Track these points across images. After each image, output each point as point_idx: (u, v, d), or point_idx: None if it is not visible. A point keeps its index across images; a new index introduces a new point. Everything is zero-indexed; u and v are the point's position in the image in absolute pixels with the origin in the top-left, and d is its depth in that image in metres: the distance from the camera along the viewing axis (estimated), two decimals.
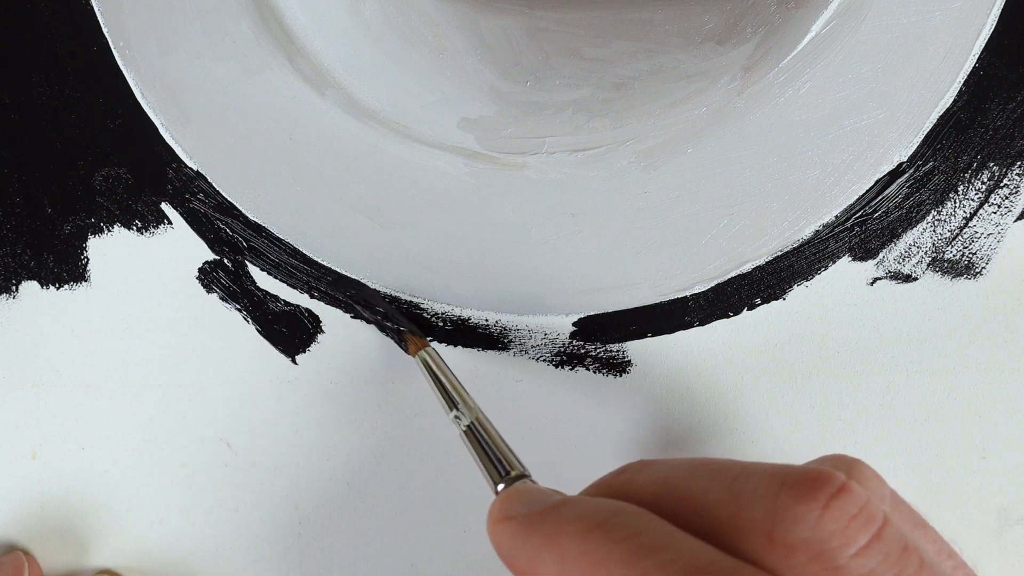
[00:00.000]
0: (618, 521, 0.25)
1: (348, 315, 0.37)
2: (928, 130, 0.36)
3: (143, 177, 0.37)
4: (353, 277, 0.37)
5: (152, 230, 0.37)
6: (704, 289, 0.36)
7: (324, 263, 0.37)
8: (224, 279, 0.37)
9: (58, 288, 0.37)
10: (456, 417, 0.33)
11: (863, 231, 0.36)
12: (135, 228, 0.37)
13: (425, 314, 0.37)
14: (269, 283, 0.37)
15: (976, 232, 0.36)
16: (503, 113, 0.36)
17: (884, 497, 0.27)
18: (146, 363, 0.38)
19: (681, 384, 0.37)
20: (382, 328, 0.36)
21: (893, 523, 0.24)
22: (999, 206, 0.36)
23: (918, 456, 0.37)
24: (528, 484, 0.30)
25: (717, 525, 0.25)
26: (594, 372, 0.37)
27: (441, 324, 0.37)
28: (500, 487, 0.30)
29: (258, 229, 0.37)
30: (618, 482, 0.28)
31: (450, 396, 0.33)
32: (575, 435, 0.37)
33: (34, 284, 0.37)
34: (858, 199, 0.36)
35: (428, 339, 0.36)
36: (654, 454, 0.37)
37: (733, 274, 0.36)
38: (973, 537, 0.37)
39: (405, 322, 0.36)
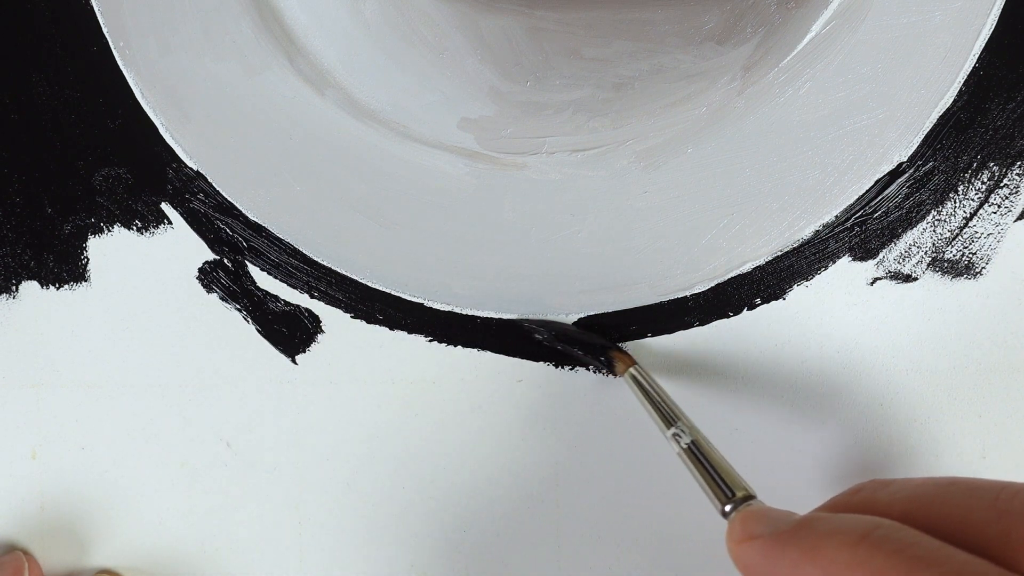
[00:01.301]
0: (883, 534, 0.25)
1: (348, 315, 0.37)
2: (928, 130, 0.36)
3: (143, 177, 0.37)
4: (515, 317, 0.37)
5: (152, 230, 0.37)
6: (704, 289, 0.36)
7: (324, 263, 0.37)
8: (224, 279, 0.37)
9: (58, 288, 0.37)
10: (675, 435, 0.32)
11: (863, 231, 0.36)
12: (135, 228, 0.37)
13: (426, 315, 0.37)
14: (269, 283, 0.37)
15: (976, 232, 0.36)
16: (503, 113, 0.36)
17: None
18: (146, 363, 0.38)
19: (682, 384, 0.37)
20: (585, 356, 0.36)
21: None
22: (999, 206, 0.36)
23: (918, 456, 0.37)
24: (763, 505, 0.30)
25: (985, 542, 0.25)
26: (594, 372, 0.37)
27: (442, 324, 0.37)
28: (728, 508, 0.30)
29: (258, 229, 0.37)
30: (857, 500, 0.28)
31: (666, 414, 0.33)
32: (575, 435, 0.37)
33: (34, 284, 0.38)
34: (858, 199, 0.36)
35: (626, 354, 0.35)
36: (654, 453, 0.37)
37: (733, 274, 0.36)
38: None
39: (607, 342, 0.36)
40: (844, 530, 0.25)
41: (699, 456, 0.31)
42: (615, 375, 0.35)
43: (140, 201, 0.37)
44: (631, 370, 0.34)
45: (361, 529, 0.38)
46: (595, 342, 0.36)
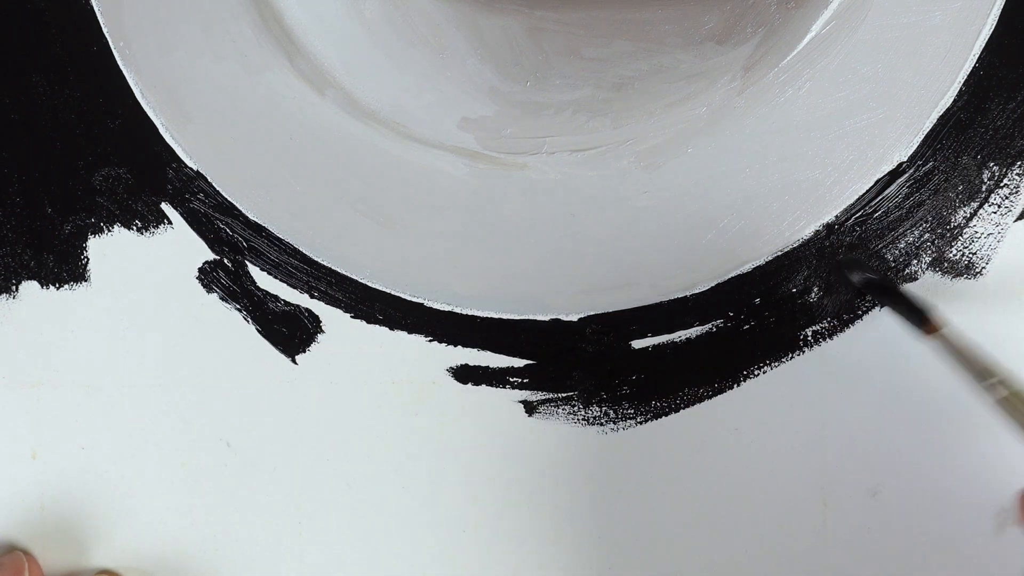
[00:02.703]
0: None
1: (348, 315, 0.37)
2: (928, 130, 0.36)
3: (143, 177, 0.37)
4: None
5: (152, 230, 0.37)
6: (704, 289, 0.36)
7: (324, 263, 0.37)
8: (224, 279, 0.37)
9: (58, 288, 0.38)
10: (992, 386, 0.31)
11: (863, 231, 0.36)
12: (135, 228, 0.37)
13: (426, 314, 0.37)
14: (269, 283, 0.37)
15: (976, 232, 0.36)
16: (503, 113, 0.36)
17: None
18: (146, 363, 0.38)
19: (681, 384, 0.37)
20: (895, 306, 0.35)
21: None
22: (999, 206, 0.36)
23: (918, 456, 0.37)
24: None
25: None
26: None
27: (442, 324, 0.37)
28: None
29: (258, 229, 0.37)
30: None
31: (983, 367, 0.32)
32: (575, 435, 0.37)
33: (34, 284, 0.38)
34: (858, 199, 0.36)
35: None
36: (654, 452, 0.37)
37: (733, 274, 0.36)
38: (972, 537, 0.37)
39: (921, 303, 0.35)
40: None
41: (1014, 405, 0.31)
42: (926, 335, 0.34)
43: (140, 201, 0.37)
44: (943, 331, 0.34)
45: (361, 529, 0.38)
46: (911, 304, 0.35)
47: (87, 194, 0.37)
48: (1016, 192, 0.36)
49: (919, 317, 0.34)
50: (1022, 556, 0.36)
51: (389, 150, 0.36)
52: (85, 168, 0.37)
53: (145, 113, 0.37)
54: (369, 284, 0.37)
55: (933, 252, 0.36)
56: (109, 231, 0.37)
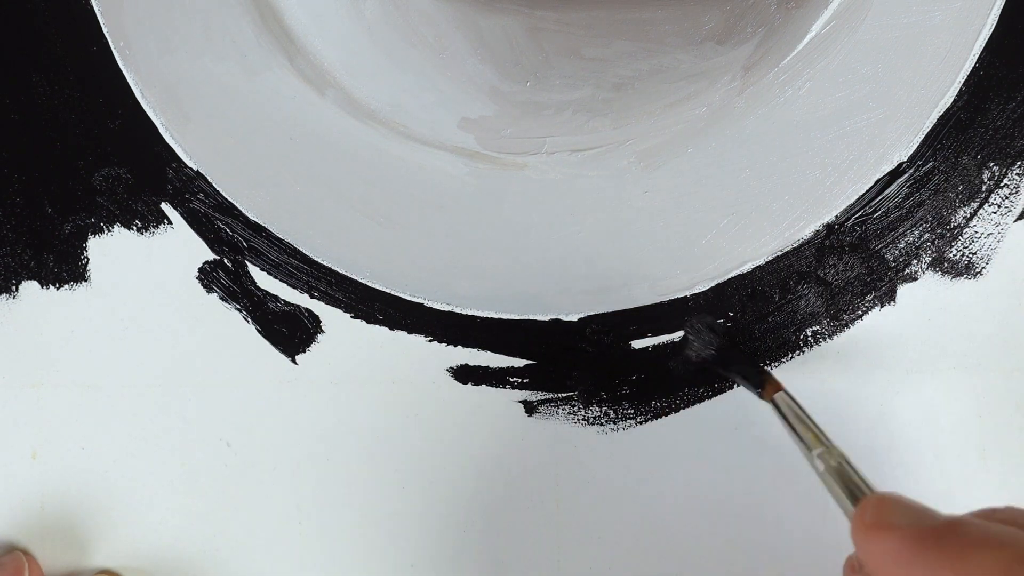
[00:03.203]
0: None
1: (348, 315, 0.37)
2: (928, 130, 0.36)
3: (143, 177, 0.37)
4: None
5: (152, 230, 0.37)
6: (704, 289, 0.36)
7: (324, 263, 0.37)
8: (224, 279, 0.37)
9: (58, 288, 0.38)
10: (820, 456, 0.31)
11: (863, 231, 0.36)
12: (135, 228, 0.37)
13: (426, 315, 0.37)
14: (269, 283, 0.37)
15: (976, 232, 0.36)
16: (503, 113, 0.36)
17: None
18: (146, 363, 0.38)
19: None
20: (733, 374, 0.36)
21: None
22: (999, 206, 0.36)
23: (918, 456, 0.37)
24: (894, 494, 0.28)
25: None
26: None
27: (442, 324, 0.37)
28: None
29: (258, 229, 0.37)
30: (998, 516, 0.26)
31: (812, 437, 0.32)
32: (575, 435, 0.37)
33: (34, 284, 0.38)
34: (858, 199, 0.36)
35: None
36: (654, 452, 0.37)
37: (733, 274, 0.36)
38: None
39: (758, 366, 0.36)
40: (1000, 544, 0.23)
41: (843, 475, 0.31)
42: (762, 398, 0.35)
43: (140, 201, 0.37)
44: (779, 395, 0.34)
45: (361, 529, 0.38)
46: (746, 365, 0.36)
47: (87, 194, 0.37)
48: (1016, 192, 0.36)
49: (756, 380, 0.35)
50: None
51: (389, 150, 0.36)
52: (85, 168, 0.37)
53: (145, 113, 0.37)
54: (369, 284, 0.37)
55: (933, 252, 0.36)
56: (109, 231, 0.37)
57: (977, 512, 0.27)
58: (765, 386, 0.34)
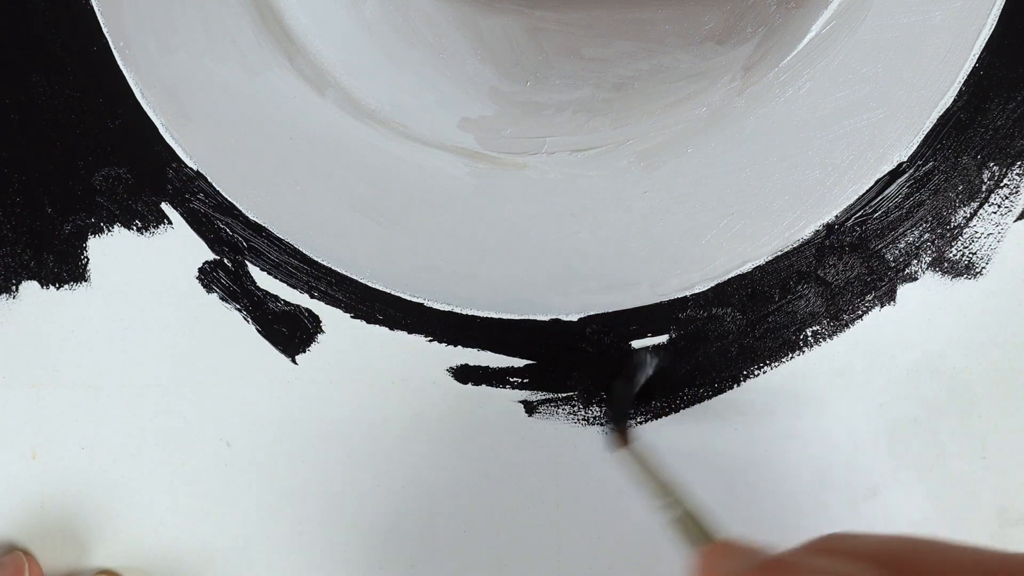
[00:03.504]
0: None
1: (348, 315, 0.37)
2: (928, 130, 0.36)
3: (143, 177, 0.37)
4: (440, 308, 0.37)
5: (152, 230, 0.37)
6: (704, 289, 0.36)
7: (324, 263, 0.37)
8: (224, 279, 0.37)
9: (58, 288, 0.38)
10: (665, 507, 0.32)
11: (863, 231, 0.36)
12: (135, 228, 0.37)
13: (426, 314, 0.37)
14: (269, 283, 0.37)
15: (976, 232, 0.36)
16: (503, 113, 0.36)
17: None
18: (146, 363, 0.38)
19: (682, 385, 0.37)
20: (607, 417, 0.37)
21: None
22: (999, 206, 0.36)
23: (918, 456, 0.37)
24: (732, 539, 0.30)
25: None
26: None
27: (442, 324, 0.37)
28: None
29: (258, 229, 0.37)
30: (829, 545, 0.27)
31: (660, 490, 0.33)
32: (575, 435, 0.37)
33: (34, 284, 0.38)
34: (858, 199, 0.36)
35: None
36: (656, 452, 0.37)
37: (733, 274, 0.36)
38: (973, 537, 0.37)
39: (620, 422, 0.36)
40: (812, 573, 0.25)
41: (686, 525, 0.32)
42: (613, 450, 0.36)
43: (140, 201, 0.37)
44: (632, 447, 0.35)
45: (361, 529, 0.38)
46: (612, 414, 0.36)
47: (87, 194, 0.37)
48: (1016, 192, 0.36)
49: (616, 428, 0.36)
50: None
51: (389, 150, 0.36)
52: (85, 168, 0.37)
53: (145, 113, 0.37)
54: (369, 284, 0.37)
55: (933, 252, 0.36)
56: (109, 231, 0.37)
57: (810, 542, 0.28)
58: (616, 440, 0.35)
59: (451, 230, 0.37)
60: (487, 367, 0.37)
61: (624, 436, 0.35)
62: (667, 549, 0.37)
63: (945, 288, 0.36)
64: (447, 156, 0.36)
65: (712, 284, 0.36)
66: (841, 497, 0.37)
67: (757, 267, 0.36)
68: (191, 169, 0.37)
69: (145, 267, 0.37)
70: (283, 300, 0.37)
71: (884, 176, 0.36)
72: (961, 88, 0.35)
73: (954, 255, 0.36)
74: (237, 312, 0.37)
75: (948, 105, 0.36)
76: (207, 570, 0.38)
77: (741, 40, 0.36)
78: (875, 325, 0.36)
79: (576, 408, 0.37)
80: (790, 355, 0.37)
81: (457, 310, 0.37)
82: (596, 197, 0.36)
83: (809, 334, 0.37)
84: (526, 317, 0.37)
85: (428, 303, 0.37)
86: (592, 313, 0.37)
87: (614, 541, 0.37)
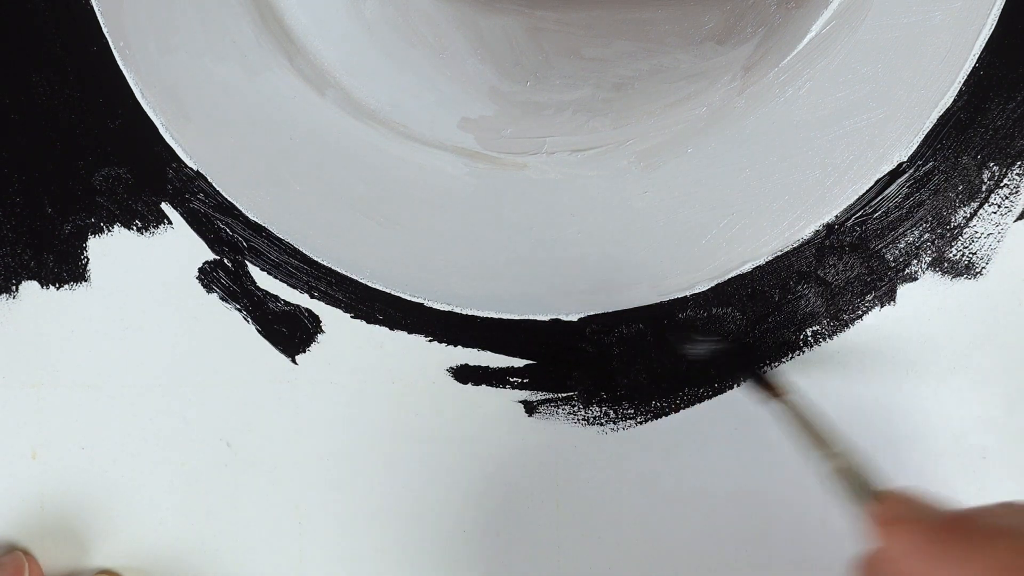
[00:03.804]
0: None
1: (348, 315, 0.37)
2: (928, 130, 0.36)
3: (143, 177, 0.37)
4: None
5: (152, 230, 0.38)
6: (704, 289, 0.36)
7: (324, 263, 0.37)
8: (224, 279, 0.37)
9: (58, 288, 0.38)
10: (826, 457, 0.32)
11: (863, 231, 0.36)
12: (135, 228, 0.37)
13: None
14: (269, 283, 0.38)
15: (976, 232, 0.36)
16: (503, 113, 0.36)
17: None
18: (146, 363, 0.38)
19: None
20: (738, 377, 0.36)
21: None
22: (999, 206, 0.36)
23: (919, 456, 0.37)
24: (902, 491, 0.29)
25: None
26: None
27: (442, 324, 0.37)
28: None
29: (258, 229, 0.37)
30: (1011, 509, 0.27)
31: (818, 440, 0.32)
32: (575, 435, 0.37)
33: (34, 284, 0.38)
34: (858, 199, 0.36)
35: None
36: (654, 451, 0.37)
37: (733, 274, 0.36)
38: None
39: (761, 372, 0.36)
40: (1011, 531, 0.25)
41: (849, 476, 0.31)
42: (766, 403, 0.35)
43: (140, 201, 0.37)
44: (782, 399, 0.34)
45: (361, 529, 0.38)
46: (749, 369, 0.36)
47: (87, 194, 0.37)
48: (1016, 192, 0.36)
49: (760, 384, 0.35)
50: None
51: (389, 150, 0.36)
52: (85, 168, 0.37)
53: (145, 113, 0.37)
54: (369, 284, 0.37)
55: (933, 252, 0.36)
56: (109, 231, 0.38)
57: (992, 505, 0.28)
58: (769, 391, 0.35)
59: (451, 230, 0.37)
60: (487, 367, 0.37)
61: (774, 388, 0.35)
62: (667, 549, 0.37)
63: (945, 288, 0.36)
64: (447, 156, 0.36)
65: (712, 284, 0.36)
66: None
67: (757, 267, 0.36)
68: (191, 169, 0.37)
69: (145, 267, 0.38)
70: (283, 300, 0.38)
71: (884, 176, 0.36)
72: (961, 88, 0.36)
73: (954, 255, 0.36)
74: (237, 312, 0.38)
75: (948, 105, 0.36)
76: (207, 570, 0.38)
77: (741, 40, 0.36)
78: (875, 325, 0.36)
79: (576, 408, 0.37)
80: (790, 355, 0.37)
81: (457, 310, 0.37)
82: (596, 197, 0.36)
83: (809, 334, 0.37)
84: (526, 317, 0.37)
85: (428, 303, 0.37)
86: (592, 313, 0.37)
87: (614, 541, 0.37)
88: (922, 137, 0.36)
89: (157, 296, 0.38)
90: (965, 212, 0.36)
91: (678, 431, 0.37)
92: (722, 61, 0.36)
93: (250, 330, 0.38)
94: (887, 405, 0.37)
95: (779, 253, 0.36)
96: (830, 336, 0.37)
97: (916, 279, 0.36)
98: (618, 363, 0.37)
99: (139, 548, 0.38)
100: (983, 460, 0.37)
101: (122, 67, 0.37)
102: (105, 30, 0.37)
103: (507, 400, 0.37)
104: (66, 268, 0.38)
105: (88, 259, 0.38)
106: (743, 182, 0.36)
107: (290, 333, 0.38)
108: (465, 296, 0.37)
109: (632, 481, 0.37)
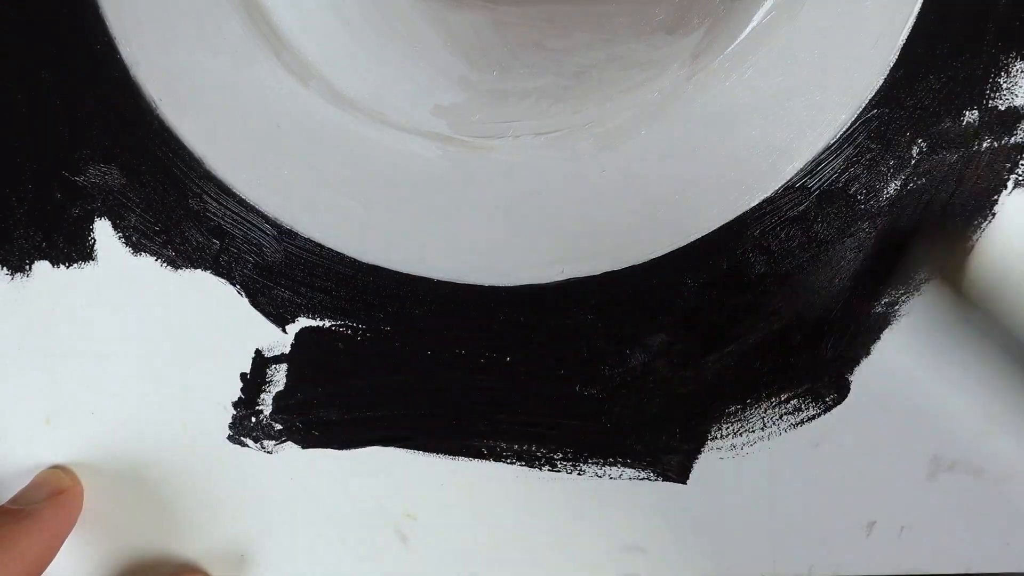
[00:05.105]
0: None
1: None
2: (861, 109, 0.37)
3: (142, 172, 0.37)
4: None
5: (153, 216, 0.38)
6: (657, 256, 0.37)
7: (311, 239, 0.38)
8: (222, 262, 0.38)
9: (68, 267, 0.38)
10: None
11: (804, 207, 0.37)
12: (137, 213, 0.38)
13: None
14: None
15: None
16: (472, 100, 0.37)
17: None
18: (149, 334, 0.38)
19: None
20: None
21: None
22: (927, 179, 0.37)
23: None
24: None
25: None
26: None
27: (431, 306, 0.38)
28: None
29: (255, 223, 0.38)
30: None
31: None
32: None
33: (46, 264, 0.38)
34: (796, 173, 0.37)
35: None
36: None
37: (684, 243, 0.37)
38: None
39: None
40: None
41: None
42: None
43: (140, 187, 0.38)
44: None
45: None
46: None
47: (91, 184, 0.37)
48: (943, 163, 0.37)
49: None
50: None
51: (369, 136, 0.37)
52: (90, 158, 0.37)
53: (144, 107, 0.37)
54: (355, 257, 0.38)
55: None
56: (114, 215, 0.38)
57: None
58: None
59: (427, 208, 0.38)
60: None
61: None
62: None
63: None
64: (422, 140, 0.37)
65: (665, 252, 0.37)
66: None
67: (705, 236, 0.37)
68: (191, 159, 0.37)
69: (147, 248, 0.38)
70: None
71: (822, 153, 0.37)
72: (891, 70, 0.37)
73: None
74: (231, 288, 0.38)
75: (879, 86, 0.37)
76: (213, 525, 0.38)
77: (689, 30, 0.37)
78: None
79: None
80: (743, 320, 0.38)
81: (428, 276, 0.38)
82: (558, 176, 0.37)
83: (752, 297, 0.37)
84: (494, 284, 0.38)
85: (404, 271, 0.38)
86: (561, 279, 0.37)
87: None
88: (856, 115, 0.37)
89: (159, 273, 0.38)
90: (895, 184, 0.37)
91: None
92: (672, 50, 0.37)
93: (243, 302, 0.38)
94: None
95: (725, 222, 0.37)
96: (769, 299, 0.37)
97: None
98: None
99: (141, 505, 0.38)
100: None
101: (125, 62, 0.37)
102: (108, 26, 0.37)
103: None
104: (75, 248, 0.38)
105: (95, 240, 0.38)
106: (693, 161, 0.37)
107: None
108: (441, 267, 0.38)
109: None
